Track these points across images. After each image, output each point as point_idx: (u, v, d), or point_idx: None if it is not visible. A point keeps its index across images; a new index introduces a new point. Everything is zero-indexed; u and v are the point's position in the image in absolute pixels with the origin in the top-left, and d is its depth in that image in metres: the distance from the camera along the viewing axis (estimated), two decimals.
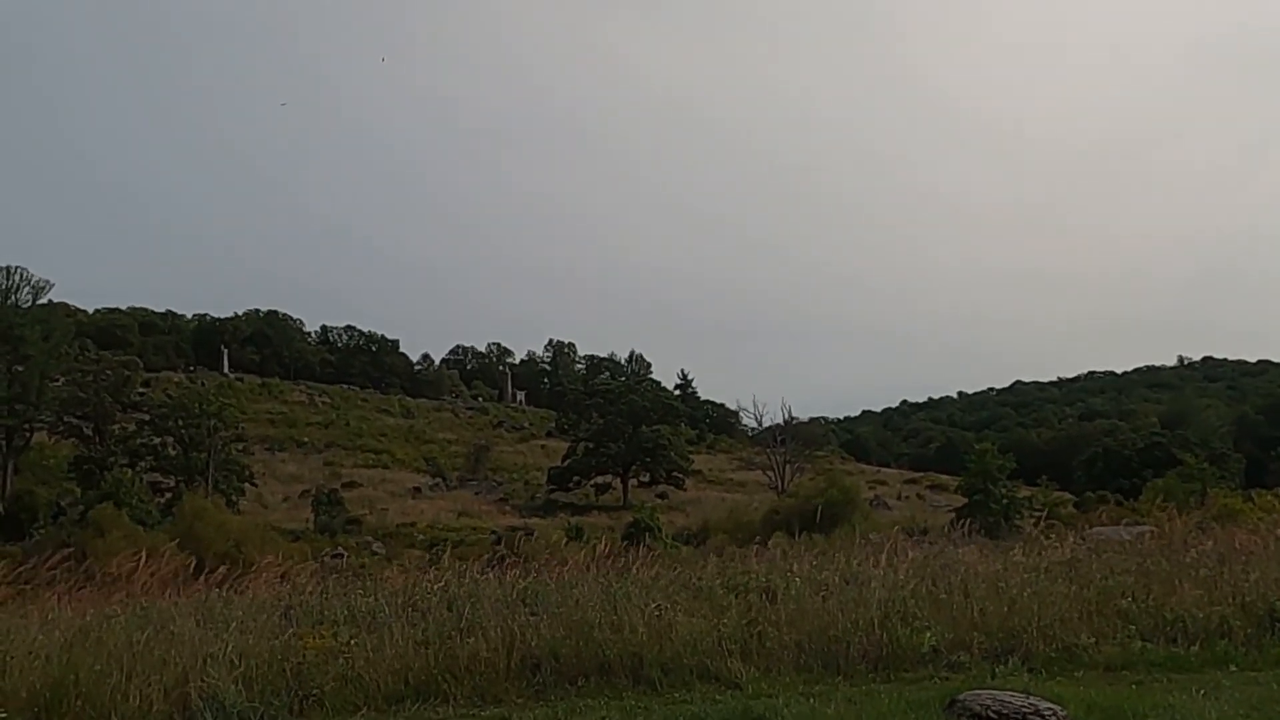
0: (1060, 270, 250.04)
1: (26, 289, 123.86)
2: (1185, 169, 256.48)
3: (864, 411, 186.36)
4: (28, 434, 74.41)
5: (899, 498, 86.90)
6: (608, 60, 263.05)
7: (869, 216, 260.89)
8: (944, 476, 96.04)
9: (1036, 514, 52.64)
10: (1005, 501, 55.48)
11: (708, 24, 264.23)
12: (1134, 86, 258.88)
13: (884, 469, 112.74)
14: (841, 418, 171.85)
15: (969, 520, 32.64)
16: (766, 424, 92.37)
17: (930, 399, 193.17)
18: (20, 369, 73.63)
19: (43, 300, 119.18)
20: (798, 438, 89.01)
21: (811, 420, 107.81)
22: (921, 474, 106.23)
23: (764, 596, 11.13)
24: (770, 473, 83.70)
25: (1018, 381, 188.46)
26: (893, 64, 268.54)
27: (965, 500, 59.46)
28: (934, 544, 14.89)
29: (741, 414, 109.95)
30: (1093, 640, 10.10)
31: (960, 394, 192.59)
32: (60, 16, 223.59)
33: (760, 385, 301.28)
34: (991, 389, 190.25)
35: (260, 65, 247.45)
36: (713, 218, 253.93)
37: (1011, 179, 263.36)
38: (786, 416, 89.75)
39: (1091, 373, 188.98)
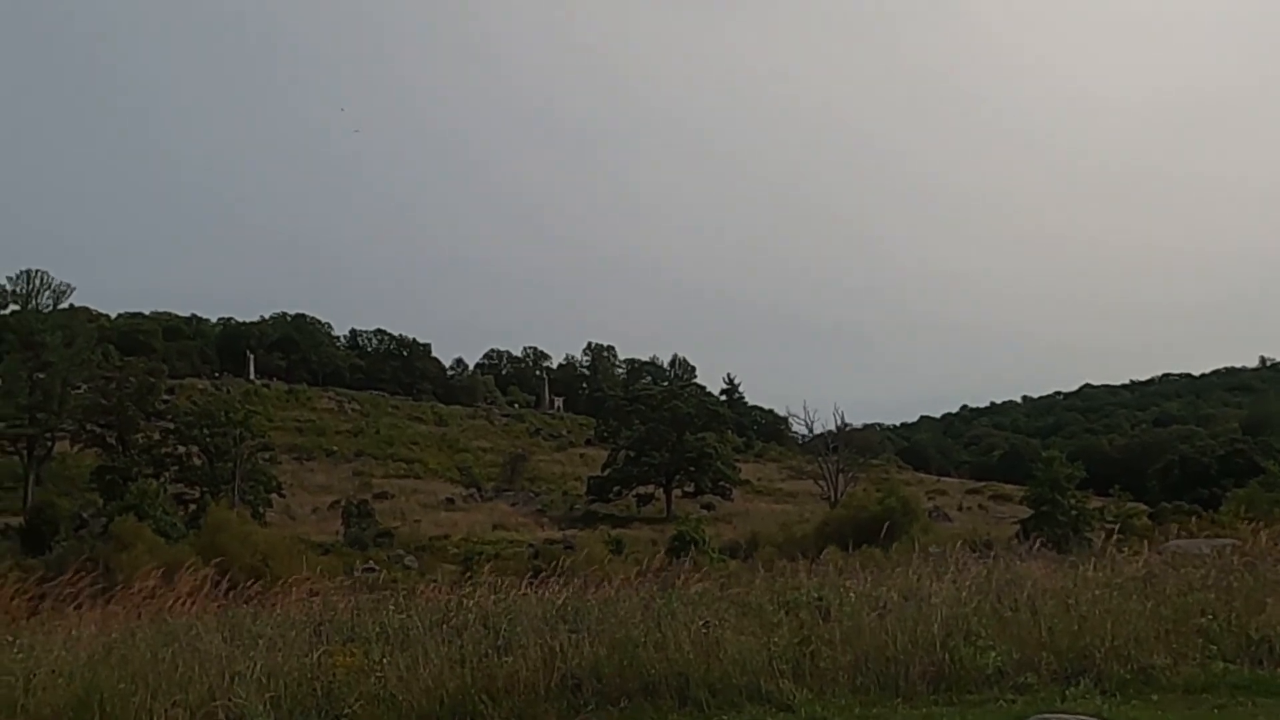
0: (1130, 256, 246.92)
1: (47, 293, 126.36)
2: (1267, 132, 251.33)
3: (922, 417, 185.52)
4: (50, 443, 75.62)
5: (960, 509, 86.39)
6: (664, 45, 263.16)
7: (925, 201, 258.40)
8: (1008, 486, 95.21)
9: (1108, 526, 52.26)
10: (1074, 513, 54.98)
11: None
12: (1219, 43, 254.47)
13: (944, 478, 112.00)
14: (898, 424, 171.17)
15: (1035, 533, 32.39)
16: (818, 431, 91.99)
17: (993, 404, 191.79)
18: (42, 376, 74.88)
19: (64, 305, 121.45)
20: (851, 445, 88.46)
21: (866, 427, 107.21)
22: (984, 483, 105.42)
23: (817, 613, 11.08)
24: (822, 482, 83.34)
25: (1086, 385, 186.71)
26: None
27: (1031, 512, 58.99)
28: (998, 558, 14.71)
29: (791, 420, 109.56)
30: (1170, 661, 9.96)
31: (1025, 398, 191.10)
32: (91, 16, 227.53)
33: (811, 390, 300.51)
34: (1058, 393, 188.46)
35: (293, 60, 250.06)
36: (762, 208, 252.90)
37: (1081, 143, 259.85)
38: (839, 423, 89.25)
39: (1166, 375, 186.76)
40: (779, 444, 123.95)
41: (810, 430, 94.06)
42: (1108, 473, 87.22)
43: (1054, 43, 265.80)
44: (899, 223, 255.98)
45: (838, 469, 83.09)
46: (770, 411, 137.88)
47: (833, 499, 76.54)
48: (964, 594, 11.39)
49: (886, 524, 30.77)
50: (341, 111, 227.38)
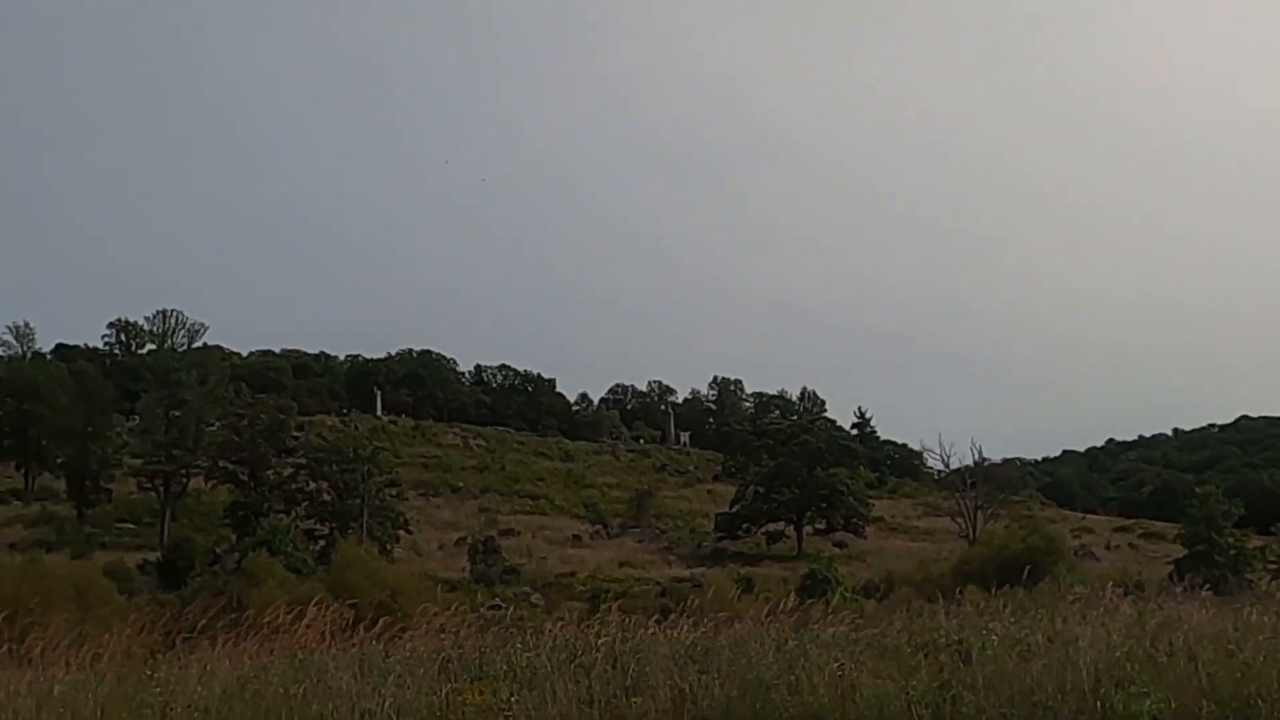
0: None
1: (182, 332, 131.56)
2: None
3: (1065, 451, 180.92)
4: (185, 480, 78.51)
5: (1108, 547, 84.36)
6: (791, 64, 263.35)
7: (1064, 221, 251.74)
8: (1159, 524, 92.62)
9: (1271, 567, 50.19)
10: (1233, 552, 53.08)
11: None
12: None
13: (1089, 515, 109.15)
14: (1039, 459, 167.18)
15: (1191, 573, 31.24)
16: (954, 466, 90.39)
17: (1141, 437, 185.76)
18: (178, 414, 77.89)
19: (198, 344, 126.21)
20: (990, 481, 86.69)
21: (1005, 462, 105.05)
22: (1133, 521, 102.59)
23: (956, 656, 10.84)
24: (960, 520, 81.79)
25: (1243, 416, 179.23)
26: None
27: (1186, 551, 57.12)
28: (1151, 599, 14.24)
29: (926, 455, 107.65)
30: None
31: (1176, 431, 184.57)
32: (238, 49, 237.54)
33: (946, 424, 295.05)
34: (1213, 425, 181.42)
35: (414, 103, 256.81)
36: (893, 234, 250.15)
37: (1234, 155, 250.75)
38: (977, 457, 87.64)
39: None
40: (914, 480, 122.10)
41: (946, 465, 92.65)
42: (1269, 510, 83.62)
43: (1204, 54, 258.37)
44: (1036, 244, 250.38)
45: (976, 506, 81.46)
46: (904, 446, 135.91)
47: (971, 537, 75.00)
48: (1115, 637, 11.02)
49: (1029, 563, 29.94)
50: (445, 164, 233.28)
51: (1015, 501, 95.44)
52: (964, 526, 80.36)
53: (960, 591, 19.74)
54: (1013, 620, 12.68)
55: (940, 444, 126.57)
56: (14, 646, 12.64)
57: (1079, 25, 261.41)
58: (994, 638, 11.28)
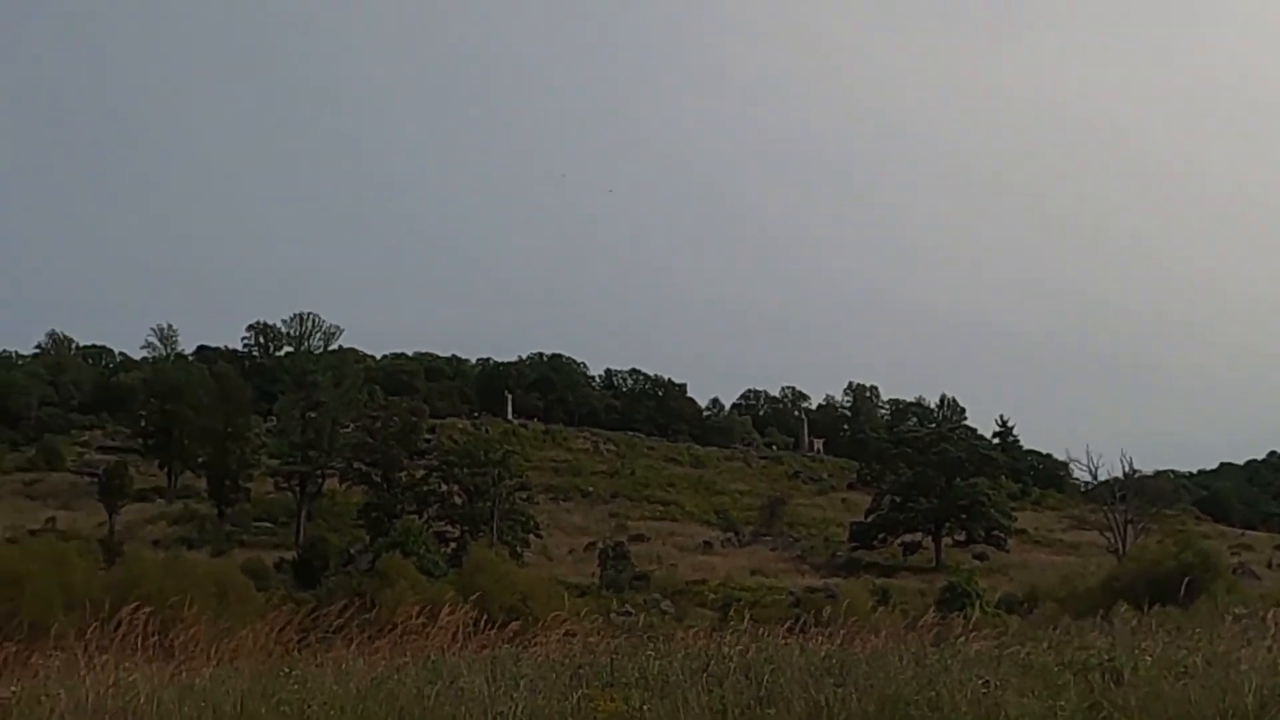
0: None
1: (319, 335, 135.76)
2: None
3: (1222, 464, 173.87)
4: (320, 480, 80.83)
5: (1269, 565, 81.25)
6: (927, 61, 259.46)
7: (1227, 220, 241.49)
8: None
9: None
10: None
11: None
12: None
13: (1249, 532, 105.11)
14: (1194, 471, 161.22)
15: None
16: (1102, 478, 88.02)
17: None
18: (313, 415, 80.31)
19: (334, 346, 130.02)
20: (1141, 494, 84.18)
21: (1157, 474, 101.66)
22: None
23: (1107, 677, 10.50)
24: (1108, 534, 79.62)
25: None
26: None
27: None
28: None
29: (1072, 466, 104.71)
30: None
31: None
32: (361, 64, 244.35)
33: (1093, 433, 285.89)
34: None
35: (540, 116, 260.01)
36: (1034, 235, 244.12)
37: None
38: (1127, 469, 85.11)
39: None
40: (1058, 491, 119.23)
41: (1094, 477, 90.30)
42: None
43: None
44: (1193, 245, 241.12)
45: (1125, 519, 79.20)
46: (1048, 456, 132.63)
47: (1120, 552, 72.87)
48: None
49: (1184, 580, 28.93)
50: (563, 176, 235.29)
51: (1168, 515, 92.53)
52: (1112, 541, 78.22)
53: (1109, 608, 19.17)
54: (1168, 640, 12.25)
55: (1087, 454, 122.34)
56: (157, 640, 13.09)
57: (1242, 14, 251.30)
58: (1148, 658, 10.91)
